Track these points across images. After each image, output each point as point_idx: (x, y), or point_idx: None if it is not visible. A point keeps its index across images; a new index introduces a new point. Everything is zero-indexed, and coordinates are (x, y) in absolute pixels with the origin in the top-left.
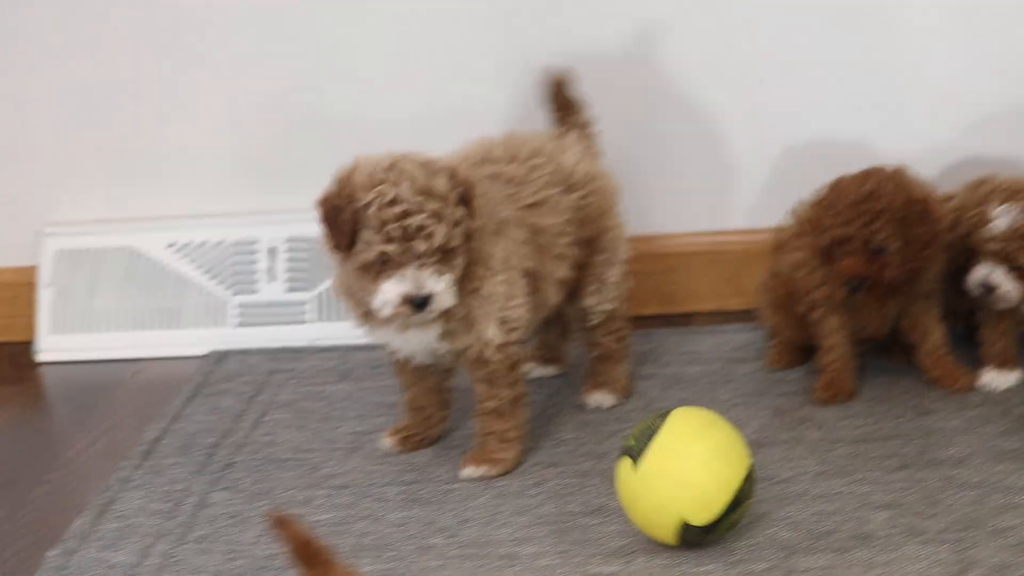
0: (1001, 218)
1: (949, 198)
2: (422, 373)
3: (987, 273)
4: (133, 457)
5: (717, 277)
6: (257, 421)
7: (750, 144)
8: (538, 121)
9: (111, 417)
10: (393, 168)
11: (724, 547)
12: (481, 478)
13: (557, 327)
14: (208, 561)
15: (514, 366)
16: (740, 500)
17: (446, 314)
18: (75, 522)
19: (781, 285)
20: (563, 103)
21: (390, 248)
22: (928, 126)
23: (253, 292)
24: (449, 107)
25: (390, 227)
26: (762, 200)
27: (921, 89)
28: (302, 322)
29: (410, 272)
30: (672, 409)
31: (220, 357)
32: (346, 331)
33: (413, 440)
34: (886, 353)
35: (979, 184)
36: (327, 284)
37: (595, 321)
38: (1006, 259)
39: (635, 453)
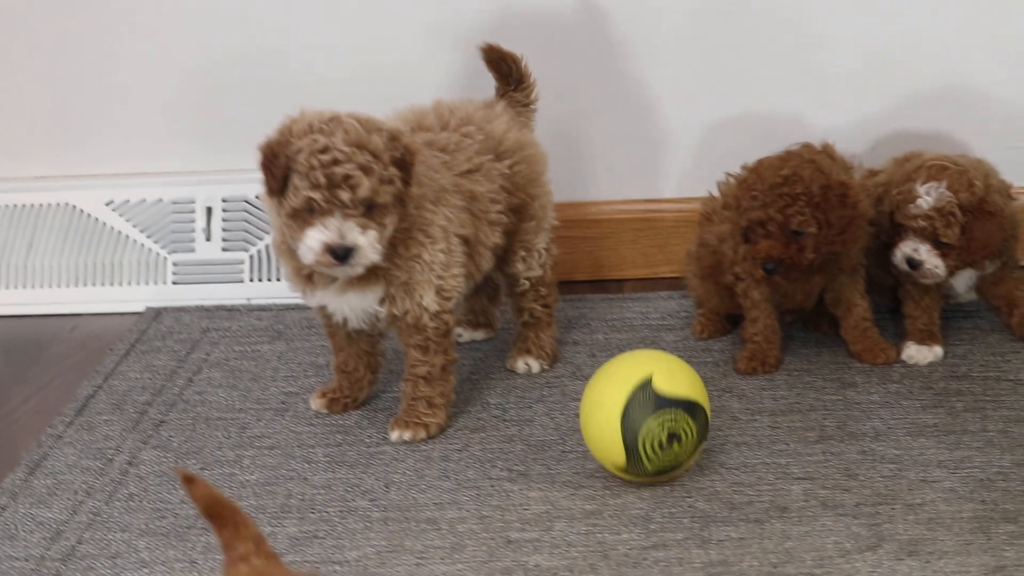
0: (927, 195)
1: (876, 173)
2: (354, 337)
3: (912, 249)
4: (66, 414)
5: (648, 245)
6: (190, 379)
7: (682, 115)
8: (472, 89)
9: (46, 373)
10: (333, 120)
11: (642, 516)
12: (408, 442)
13: (486, 292)
14: (136, 519)
15: (447, 333)
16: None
17: (386, 278)
18: (6, 478)
19: (708, 255)
20: (504, 73)
21: (315, 195)
22: (857, 101)
23: (189, 251)
24: (384, 72)
25: (316, 173)
26: (693, 170)
27: (851, 64)
28: (237, 281)
29: (334, 222)
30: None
31: (156, 314)
32: (280, 290)
33: (341, 402)
34: (811, 324)
35: (906, 160)
36: (262, 244)
37: (523, 287)
38: (931, 235)
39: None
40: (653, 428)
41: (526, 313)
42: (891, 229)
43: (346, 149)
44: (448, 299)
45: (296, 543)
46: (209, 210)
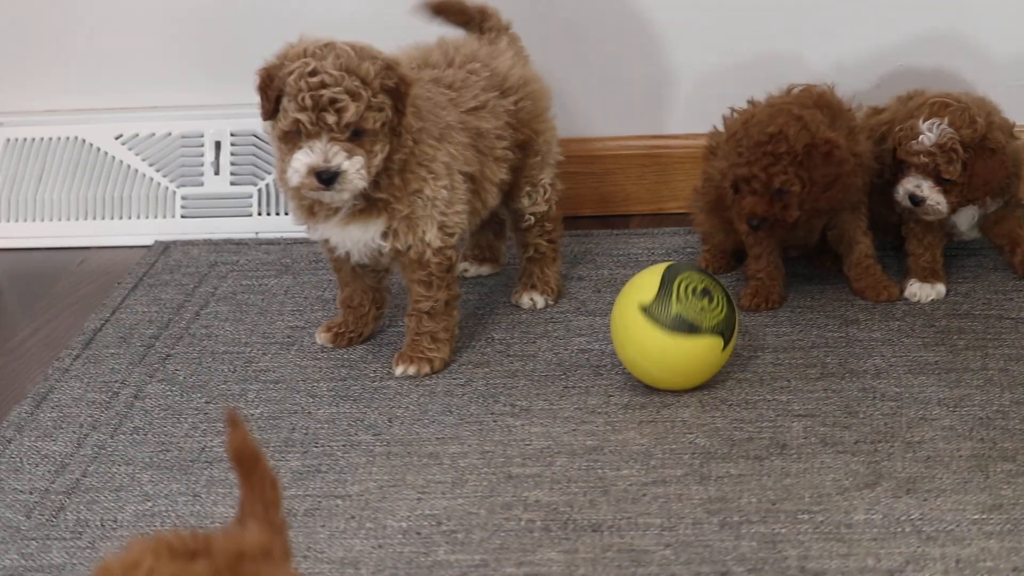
0: (928, 131)
1: (880, 111)
2: (358, 272)
3: (915, 185)
4: (73, 347)
5: (654, 180)
6: (197, 313)
7: (688, 51)
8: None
9: (55, 306)
10: (327, 46)
11: (642, 452)
12: (411, 377)
13: (492, 227)
14: (140, 452)
15: (451, 268)
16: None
17: (388, 212)
18: (13, 411)
19: (712, 190)
20: (462, 23)
21: (302, 116)
22: (864, 38)
23: (198, 184)
24: (391, 10)
25: (304, 95)
26: (699, 106)
27: (855, 1)
28: (246, 215)
29: (319, 145)
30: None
31: (164, 248)
32: (288, 224)
33: (346, 337)
34: (814, 261)
35: (909, 98)
36: (271, 178)
37: (528, 223)
38: (933, 172)
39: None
40: (694, 277)
41: (531, 248)
42: (894, 166)
43: (335, 73)
44: (451, 235)
45: (299, 477)
46: (218, 144)
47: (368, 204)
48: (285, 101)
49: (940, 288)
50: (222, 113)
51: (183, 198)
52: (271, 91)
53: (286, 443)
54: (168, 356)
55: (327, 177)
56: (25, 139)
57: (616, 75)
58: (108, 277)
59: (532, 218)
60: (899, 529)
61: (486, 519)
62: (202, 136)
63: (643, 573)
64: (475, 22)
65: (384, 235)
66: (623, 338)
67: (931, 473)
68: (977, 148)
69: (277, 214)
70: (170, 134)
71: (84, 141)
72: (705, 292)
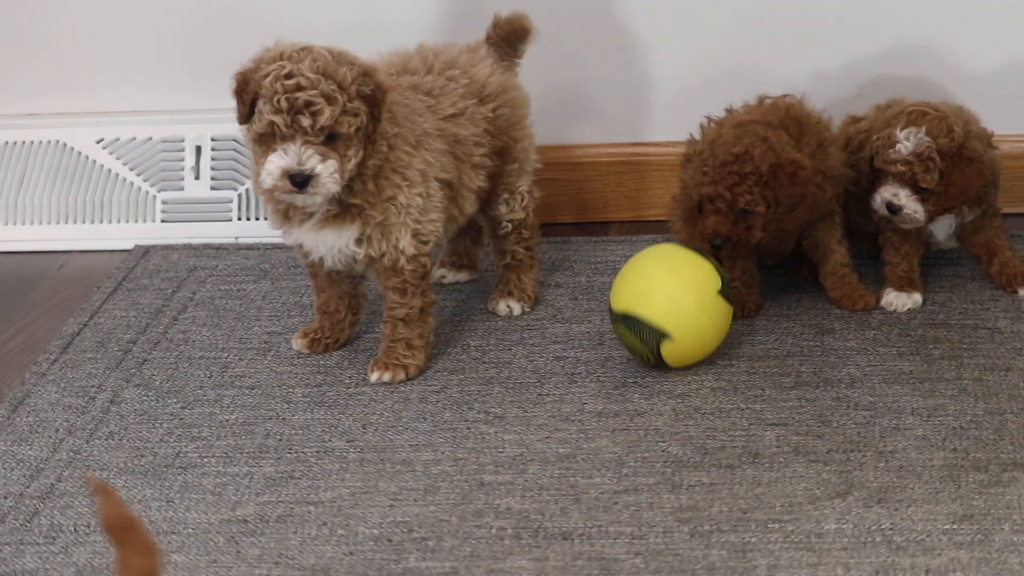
0: (906, 140)
1: (858, 120)
2: (334, 278)
3: (892, 194)
4: (51, 351)
5: (633, 188)
6: (175, 318)
7: (668, 57)
8: (459, 34)
9: (34, 310)
10: (304, 49)
11: (615, 460)
12: (387, 383)
13: (470, 234)
14: (115, 457)
15: (425, 276)
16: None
17: (362, 218)
18: None
19: (689, 198)
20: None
21: (277, 119)
22: (843, 47)
23: (178, 189)
24: (371, 16)
25: (279, 98)
26: (679, 114)
27: (838, 9)
28: (225, 220)
29: (293, 148)
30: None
31: (144, 252)
32: (268, 229)
33: (323, 343)
34: (792, 270)
35: (888, 107)
36: (251, 183)
37: (505, 230)
38: (910, 181)
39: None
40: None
41: (508, 255)
42: (871, 175)
43: (311, 76)
44: (425, 243)
45: (272, 483)
46: (198, 148)
47: (342, 209)
48: (260, 104)
49: (917, 297)
50: (202, 118)
51: (163, 202)
52: (246, 94)
53: (260, 449)
54: (145, 361)
55: (300, 180)
56: (6, 143)
57: (595, 82)
58: (88, 281)
59: (509, 225)
60: (869, 539)
61: (457, 526)
62: (182, 141)
63: None
64: (520, 50)
65: (358, 241)
66: (703, 326)
67: (903, 483)
68: (954, 157)
69: (257, 219)
70: (151, 138)
71: (65, 145)
72: (631, 350)
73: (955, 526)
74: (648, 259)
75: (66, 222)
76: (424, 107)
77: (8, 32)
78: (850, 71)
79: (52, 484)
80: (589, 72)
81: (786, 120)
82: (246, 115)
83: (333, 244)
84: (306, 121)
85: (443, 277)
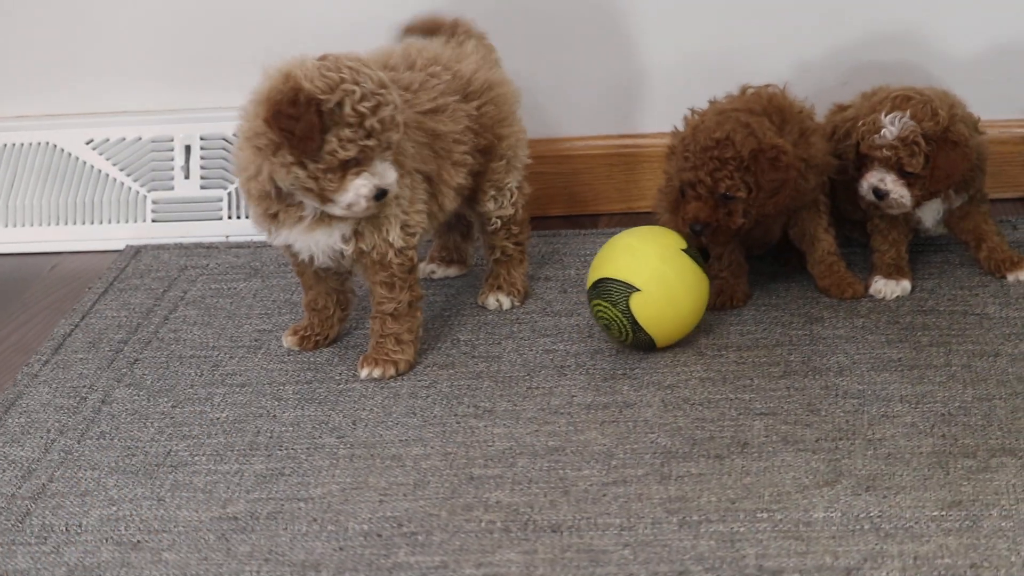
0: (891, 125)
1: (845, 108)
2: (321, 275)
3: (878, 179)
4: (43, 352)
5: (623, 180)
6: (166, 317)
7: (657, 49)
8: None
9: (26, 312)
10: (340, 67)
11: (604, 452)
12: (376, 379)
13: (459, 229)
14: (106, 457)
15: (412, 269)
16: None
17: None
18: None
19: (674, 190)
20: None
21: (371, 143)
22: (831, 35)
23: (169, 188)
24: (360, 13)
25: (370, 120)
26: (668, 106)
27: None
28: (216, 218)
29: (378, 166)
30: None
31: (135, 252)
32: None
33: (312, 340)
34: (781, 259)
35: (873, 94)
36: (238, 183)
37: (494, 226)
38: (896, 165)
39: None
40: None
41: (498, 250)
42: (858, 162)
43: (381, 91)
44: (412, 235)
45: (262, 480)
46: (188, 148)
47: None
48: (342, 131)
49: (905, 284)
50: (192, 117)
51: (154, 202)
52: (310, 129)
53: (251, 446)
54: (136, 360)
55: (380, 193)
56: None
57: (584, 74)
58: (80, 282)
59: (498, 221)
60: (858, 527)
61: (447, 521)
62: (172, 140)
63: (601, 573)
64: (447, 31)
65: (348, 238)
66: (667, 276)
67: (891, 470)
68: (939, 141)
69: (247, 217)
70: (140, 138)
71: (55, 146)
72: (606, 327)
73: (943, 512)
74: (615, 236)
75: (57, 223)
76: (402, 102)
77: None
78: (837, 60)
79: (44, 484)
80: (577, 64)
81: (768, 108)
82: (318, 148)
83: (324, 242)
84: (395, 136)
85: (433, 272)
